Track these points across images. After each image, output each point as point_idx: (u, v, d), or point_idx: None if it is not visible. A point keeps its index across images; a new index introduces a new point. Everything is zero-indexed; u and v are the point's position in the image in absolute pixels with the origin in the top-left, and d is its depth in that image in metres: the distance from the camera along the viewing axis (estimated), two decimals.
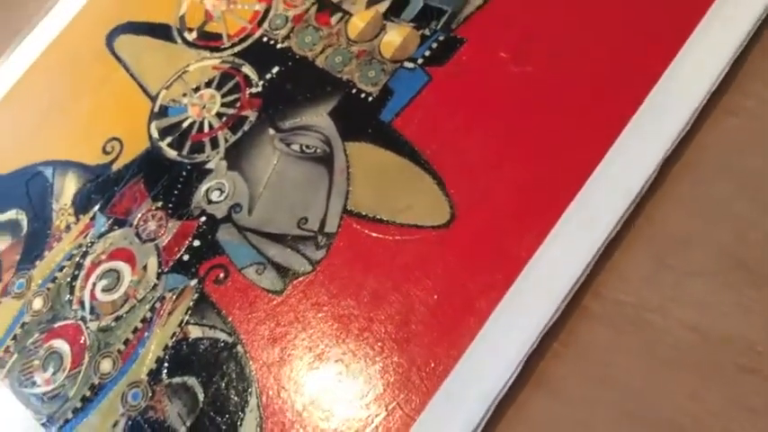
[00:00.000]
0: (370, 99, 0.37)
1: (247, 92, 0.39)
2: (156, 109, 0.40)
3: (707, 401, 0.28)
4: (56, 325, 0.37)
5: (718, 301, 0.30)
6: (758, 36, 0.33)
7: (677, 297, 0.30)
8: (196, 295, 0.35)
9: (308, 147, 0.36)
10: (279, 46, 0.39)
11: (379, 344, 0.32)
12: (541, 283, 0.31)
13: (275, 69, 0.39)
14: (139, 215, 0.38)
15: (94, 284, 0.37)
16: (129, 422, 0.34)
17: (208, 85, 0.40)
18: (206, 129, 0.39)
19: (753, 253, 0.30)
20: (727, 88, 0.33)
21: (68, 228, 0.39)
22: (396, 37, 0.37)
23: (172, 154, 0.39)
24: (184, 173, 0.38)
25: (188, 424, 0.33)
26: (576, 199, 0.32)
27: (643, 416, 0.29)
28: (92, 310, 0.36)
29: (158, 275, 0.36)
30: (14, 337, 0.37)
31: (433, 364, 0.31)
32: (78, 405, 0.35)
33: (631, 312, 0.30)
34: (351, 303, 0.33)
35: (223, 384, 0.33)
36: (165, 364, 0.34)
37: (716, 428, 0.28)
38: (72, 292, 0.37)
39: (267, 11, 0.41)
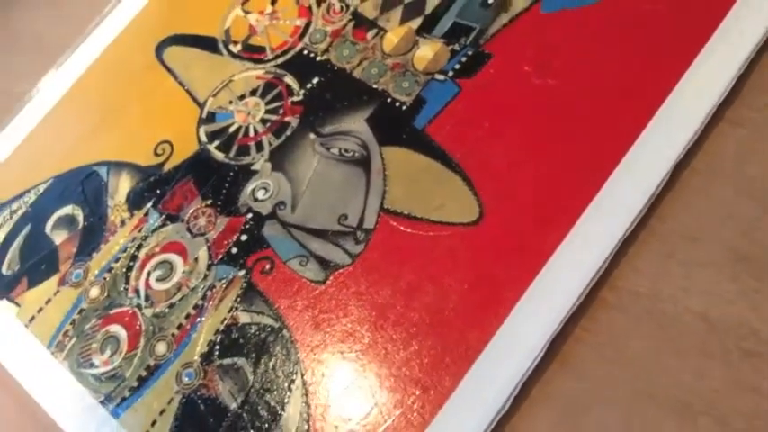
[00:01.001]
0: (404, 108, 0.39)
1: (289, 100, 0.42)
2: (204, 115, 0.43)
3: (713, 381, 0.31)
4: (112, 311, 0.40)
5: (723, 290, 0.32)
6: (759, 56, 0.36)
7: (686, 288, 0.33)
8: (244, 284, 0.38)
9: (346, 150, 0.40)
10: (318, 58, 0.43)
11: (414, 329, 0.35)
12: (563, 274, 0.33)
13: (315, 80, 0.42)
14: (190, 212, 0.41)
15: (149, 274, 0.40)
16: (184, 399, 0.36)
17: (252, 93, 0.43)
18: (251, 133, 0.42)
19: (754, 248, 0.32)
20: (732, 102, 0.35)
21: (123, 223, 0.42)
22: (428, 51, 0.41)
23: (219, 156, 0.42)
24: (231, 173, 0.41)
25: (239, 400, 0.35)
26: (594, 200, 0.34)
27: (655, 393, 0.31)
28: (147, 298, 0.39)
29: (208, 266, 0.39)
30: (73, 323, 0.40)
31: (464, 348, 0.34)
32: (135, 384, 0.37)
33: (645, 302, 0.33)
34: (387, 293, 0.36)
35: (271, 365, 0.36)
36: (217, 347, 0.37)
37: (721, 406, 0.30)
38: (127, 282, 0.40)
39: (307, 26, 0.44)
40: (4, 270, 0.43)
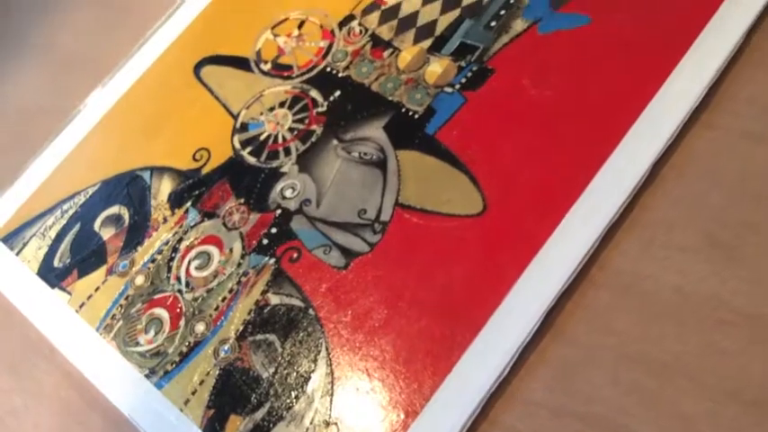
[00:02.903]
0: (417, 116, 0.44)
1: (314, 111, 0.47)
2: (238, 125, 0.48)
3: (688, 345, 0.34)
4: (156, 297, 0.44)
5: (697, 270, 0.36)
6: (729, 69, 0.40)
7: (666, 267, 0.36)
8: (274, 271, 0.42)
9: (365, 154, 0.44)
10: (340, 75, 0.48)
11: (425, 306, 0.39)
12: (557, 257, 0.37)
13: (337, 93, 0.47)
14: (226, 209, 0.45)
15: (189, 263, 0.44)
16: (220, 371, 0.41)
17: (281, 105, 0.48)
18: (280, 140, 0.47)
19: (724, 233, 0.36)
20: (706, 107, 0.39)
21: (165, 220, 0.46)
22: (437, 67, 0.46)
23: (252, 160, 0.47)
24: (262, 175, 0.46)
25: (270, 371, 0.40)
26: (583, 193, 0.38)
27: (637, 357, 0.35)
28: (187, 284, 0.44)
29: (242, 256, 0.43)
30: (120, 307, 0.45)
31: (469, 322, 0.37)
32: (177, 359, 0.42)
33: (629, 280, 0.36)
34: (402, 276, 0.40)
35: (298, 339, 0.40)
36: (250, 325, 0.41)
37: (693, 364, 0.34)
38: (169, 270, 0.45)
39: (330, 47, 0.49)
40: (56, 263, 0.48)
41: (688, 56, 0.41)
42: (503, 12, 0.45)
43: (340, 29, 0.49)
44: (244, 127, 0.48)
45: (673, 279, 0.36)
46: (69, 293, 0.46)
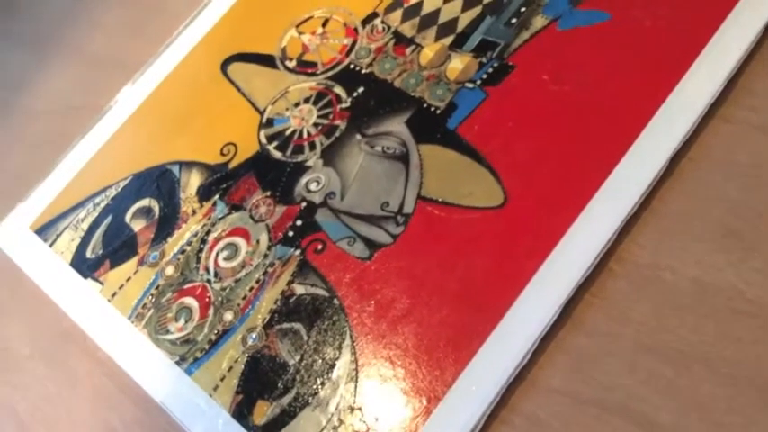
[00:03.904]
0: (438, 112, 0.45)
1: (338, 107, 0.48)
2: (264, 120, 0.49)
3: (704, 334, 0.35)
4: (185, 286, 0.45)
5: (714, 260, 0.36)
6: (746, 65, 0.40)
7: (682, 258, 0.37)
8: (300, 262, 0.43)
9: (388, 148, 0.45)
10: (363, 71, 0.49)
11: (447, 296, 0.40)
12: (576, 249, 0.38)
13: (361, 89, 0.48)
14: (252, 202, 0.47)
15: (217, 254, 0.46)
16: (248, 358, 0.42)
17: (306, 101, 0.49)
18: (305, 135, 0.48)
19: (740, 224, 0.36)
20: (723, 102, 0.40)
21: (194, 212, 0.48)
22: (459, 64, 0.47)
23: (278, 155, 0.48)
24: (288, 169, 0.47)
25: (296, 358, 0.41)
26: (603, 185, 0.39)
27: (654, 346, 0.35)
28: (215, 275, 0.45)
29: (269, 247, 0.45)
30: (151, 296, 0.46)
31: (490, 311, 0.39)
32: (206, 347, 0.43)
33: (646, 271, 0.37)
34: (424, 266, 0.41)
35: (323, 327, 0.41)
36: (276, 314, 0.42)
37: (711, 353, 0.35)
38: (198, 261, 0.46)
39: (354, 44, 0.50)
40: (89, 254, 0.49)
41: (705, 51, 0.41)
42: (523, 9, 0.46)
43: (363, 26, 0.50)
44: (270, 122, 0.49)
45: (690, 270, 0.37)
46: (102, 284, 0.48)
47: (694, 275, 0.37)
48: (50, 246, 0.50)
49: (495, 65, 0.45)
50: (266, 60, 0.52)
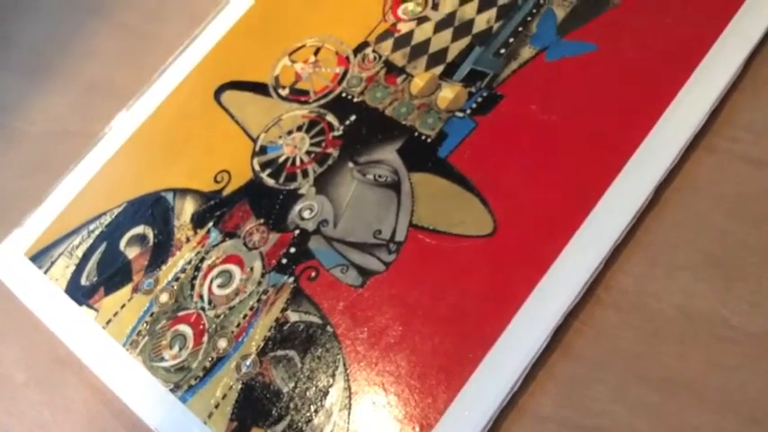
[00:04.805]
0: (429, 140, 0.46)
1: (330, 134, 0.49)
2: (257, 148, 0.50)
3: (690, 361, 0.36)
4: (180, 314, 0.46)
5: (699, 289, 0.37)
6: (729, 96, 0.41)
7: (668, 286, 0.38)
8: (293, 289, 0.44)
9: (380, 176, 0.46)
10: (355, 100, 0.49)
11: (438, 324, 0.40)
12: (564, 277, 0.39)
13: (353, 117, 0.49)
14: (246, 229, 0.47)
15: (211, 282, 0.46)
16: (242, 385, 0.42)
17: (299, 129, 0.50)
18: (298, 163, 0.49)
19: (725, 254, 0.38)
20: (707, 132, 0.41)
21: (188, 240, 0.48)
22: (449, 93, 0.47)
23: (271, 182, 0.49)
24: (281, 197, 0.48)
25: (290, 386, 0.41)
26: (589, 215, 0.40)
27: (642, 373, 0.36)
28: (209, 302, 0.46)
29: (262, 275, 0.45)
30: (145, 324, 0.46)
31: (481, 339, 0.39)
32: (200, 374, 0.44)
33: (633, 298, 0.38)
34: (416, 294, 0.41)
35: (317, 355, 0.42)
36: (270, 341, 0.43)
37: (697, 380, 0.36)
38: (192, 288, 0.46)
39: (345, 73, 0.51)
40: (83, 281, 0.50)
41: (690, 82, 0.42)
42: (511, 40, 0.47)
43: (355, 55, 0.51)
44: (263, 150, 0.50)
45: (675, 298, 0.38)
46: (96, 311, 0.48)
47: (680, 303, 0.38)
48: (45, 273, 0.51)
49: (485, 94, 0.46)
50: (259, 88, 0.52)
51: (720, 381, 0.35)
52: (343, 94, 0.50)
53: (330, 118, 0.49)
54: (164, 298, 0.47)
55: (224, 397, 0.42)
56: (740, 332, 0.36)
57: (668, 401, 0.36)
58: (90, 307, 0.48)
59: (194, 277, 0.47)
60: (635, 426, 0.36)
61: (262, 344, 0.43)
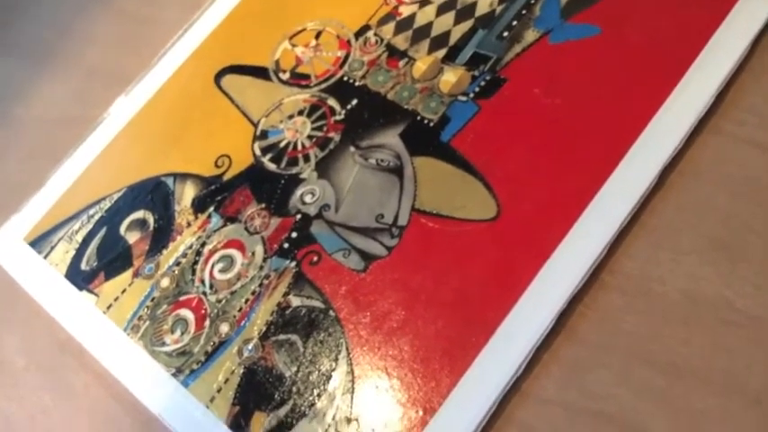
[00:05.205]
0: (432, 124, 0.46)
1: (332, 119, 0.49)
2: (258, 133, 0.50)
3: (695, 346, 0.36)
4: (181, 298, 0.46)
5: (703, 272, 0.37)
6: (734, 79, 0.41)
7: (672, 270, 0.38)
8: (295, 274, 0.44)
9: (382, 160, 0.46)
10: (357, 84, 0.49)
11: (441, 308, 0.40)
12: (568, 260, 0.39)
13: (354, 101, 0.48)
14: (247, 214, 0.47)
15: (213, 266, 0.46)
16: (245, 370, 0.42)
17: (300, 113, 0.49)
18: (299, 147, 0.48)
19: (729, 237, 0.37)
20: (712, 116, 0.41)
21: (189, 224, 0.48)
22: (452, 77, 0.47)
23: (272, 167, 0.48)
24: (282, 181, 0.47)
25: (293, 370, 0.41)
26: (594, 199, 0.40)
27: (646, 357, 0.36)
28: (211, 287, 0.45)
29: (264, 259, 0.45)
30: (146, 308, 0.46)
31: (484, 323, 0.39)
32: (202, 359, 0.43)
33: (638, 282, 0.38)
34: (418, 278, 0.41)
35: (319, 339, 0.42)
36: (272, 326, 0.43)
37: (701, 365, 0.36)
38: (194, 273, 0.46)
39: (347, 56, 0.50)
40: (83, 266, 0.49)
41: (695, 65, 0.42)
42: (515, 22, 0.47)
43: (356, 39, 0.50)
44: (264, 134, 0.49)
45: (680, 282, 0.38)
46: (97, 295, 0.48)
47: (684, 287, 0.38)
48: (45, 258, 0.50)
49: (488, 78, 0.46)
50: (260, 72, 0.52)
51: (725, 363, 0.35)
52: (345, 78, 0.49)
53: (332, 102, 0.49)
54: (165, 283, 0.46)
55: (226, 381, 0.42)
56: (745, 315, 0.36)
57: (673, 385, 0.36)
58: (90, 292, 0.48)
59: (195, 262, 0.46)
60: (639, 409, 0.36)
61: (264, 328, 0.43)
